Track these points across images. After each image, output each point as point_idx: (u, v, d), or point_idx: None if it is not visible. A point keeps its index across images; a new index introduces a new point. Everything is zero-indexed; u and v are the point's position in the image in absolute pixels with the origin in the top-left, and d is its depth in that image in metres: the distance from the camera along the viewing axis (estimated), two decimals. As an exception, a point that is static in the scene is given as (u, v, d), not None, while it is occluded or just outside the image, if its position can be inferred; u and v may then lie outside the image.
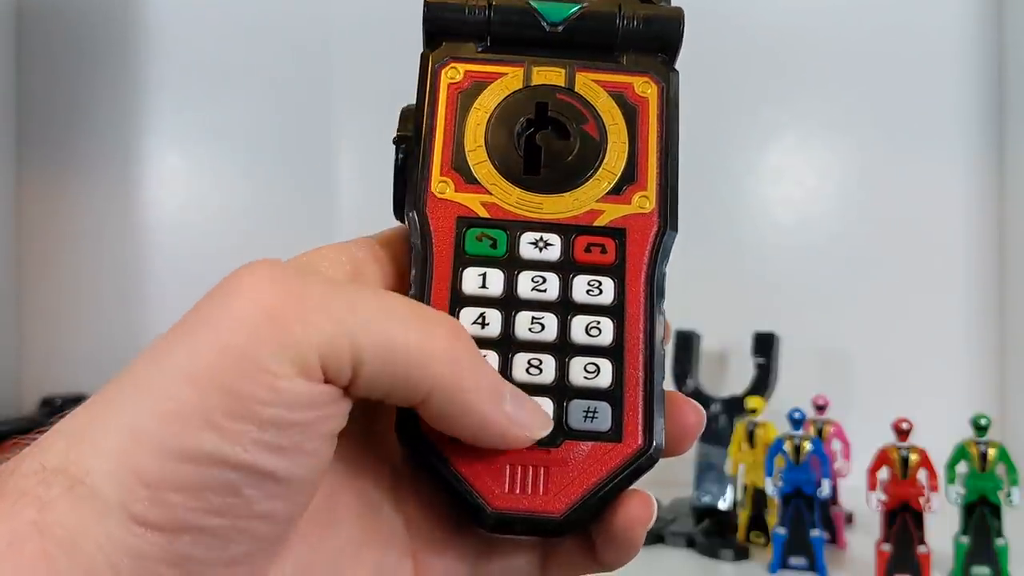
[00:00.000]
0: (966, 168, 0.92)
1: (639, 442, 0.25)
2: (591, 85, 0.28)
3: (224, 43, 0.97)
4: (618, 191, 0.27)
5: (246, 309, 0.21)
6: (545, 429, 0.24)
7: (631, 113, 0.28)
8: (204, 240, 0.97)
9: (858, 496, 0.64)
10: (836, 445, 0.74)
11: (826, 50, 0.93)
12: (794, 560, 0.63)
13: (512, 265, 0.26)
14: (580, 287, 0.26)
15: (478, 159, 0.27)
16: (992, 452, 0.59)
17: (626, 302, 0.26)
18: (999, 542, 0.59)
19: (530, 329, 0.25)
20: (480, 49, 0.28)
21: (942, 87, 0.92)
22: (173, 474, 0.20)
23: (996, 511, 0.59)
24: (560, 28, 0.28)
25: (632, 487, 0.25)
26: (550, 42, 0.28)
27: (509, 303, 0.26)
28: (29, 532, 0.19)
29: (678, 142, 0.28)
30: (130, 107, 0.98)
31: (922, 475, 0.60)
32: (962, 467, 0.60)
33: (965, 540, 0.59)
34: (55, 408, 0.87)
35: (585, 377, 0.25)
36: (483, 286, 0.26)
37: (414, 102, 0.28)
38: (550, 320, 0.26)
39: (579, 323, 0.26)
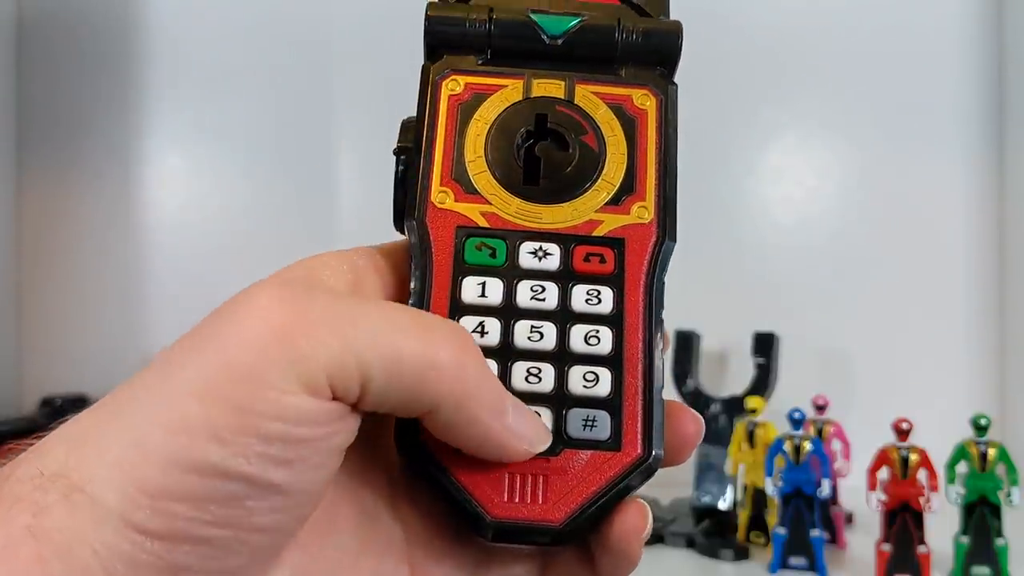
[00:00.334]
0: (966, 168, 0.92)
1: (638, 451, 0.25)
2: (590, 97, 0.28)
3: (224, 44, 0.97)
4: (617, 201, 0.27)
5: (255, 327, 0.21)
6: (544, 443, 0.24)
7: (630, 125, 0.28)
8: (204, 240, 0.97)
9: (858, 496, 0.64)
10: (836, 445, 0.74)
11: (826, 50, 0.93)
12: (794, 560, 0.63)
13: (511, 274, 0.26)
14: (579, 296, 0.26)
15: (478, 169, 0.27)
16: (992, 452, 0.59)
17: (625, 311, 0.26)
18: (999, 542, 0.59)
19: (529, 338, 0.25)
20: (481, 62, 0.29)
21: (942, 87, 0.92)
22: (176, 484, 0.20)
23: (996, 511, 0.59)
24: (560, 41, 0.28)
25: (632, 496, 0.25)
26: (550, 55, 0.29)
27: (508, 312, 0.26)
28: (23, 536, 0.19)
29: (676, 153, 0.28)
30: (130, 107, 0.98)
31: (922, 475, 0.60)
32: (962, 467, 0.60)
33: (965, 540, 0.59)
34: (55, 408, 0.87)
35: (584, 386, 0.25)
36: (482, 295, 0.26)
37: (414, 113, 0.28)
38: (549, 329, 0.26)
39: (578, 332, 0.26)
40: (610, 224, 0.27)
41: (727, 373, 0.90)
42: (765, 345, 0.81)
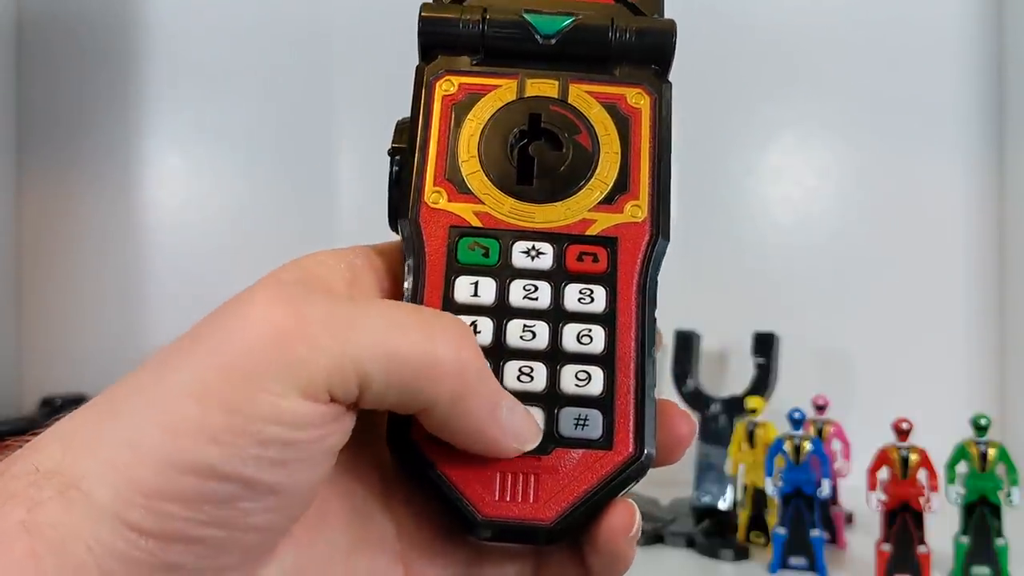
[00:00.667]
0: (966, 168, 0.92)
1: (630, 450, 0.25)
2: (584, 96, 0.28)
3: (224, 43, 0.97)
4: (610, 200, 0.27)
5: (253, 329, 0.21)
6: (534, 442, 0.24)
7: (624, 124, 0.28)
8: (204, 240, 0.97)
9: (858, 496, 0.64)
10: (836, 445, 0.74)
11: (826, 49, 0.93)
12: (794, 560, 0.62)
13: (504, 274, 0.26)
14: (572, 295, 0.26)
15: (471, 169, 0.27)
16: (992, 452, 0.59)
17: (618, 310, 0.26)
18: (999, 542, 0.59)
19: (521, 337, 0.25)
20: (475, 62, 0.29)
21: (942, 87, 0.92)
22: (172, 485, 0.20)
23: (996, 511, 0.59)
24: (553, 41, 0.28)
25: (621, 497, 0.25)
26: (544, 55, 0.29)
27: (501, 311, 0.26)
28: (17, 532, 0.19)
29: (670, 152, 0.28)
30: (130, 108, 0.98)
31: (922, 475, 0.60)
32: (962, 467, 0.60)
33: (965, 540, 0.59)
34: (55, 408, 0.87)
35: (576, 385, 0.25)
36: (475, 294, 0.26)
37: (409, 114, 0.28)
38: (541, 328, 0.26)
39: (571, 331, 0.26)
40: (603, 223, 0.27)
41: (727, 373, 0.90)
42: (765, 345, 0.81)
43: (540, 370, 0.25)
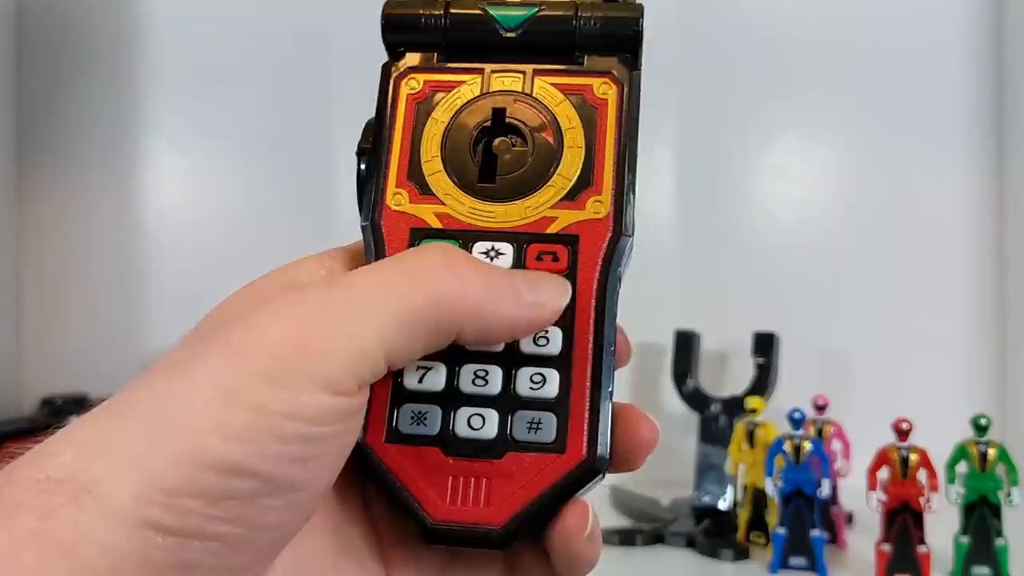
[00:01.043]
0: (966, 168, 0.92)
1: (582, 453, 0.24)
2: (549, 89, 0.28)
3: (223, 43, 0.97)
4: (572, 197, 0.26)
5: (271, 327, 0.22)
6: (565, 294, 0.25)
7: (589, 116, 0.27)
8: (204, 240, 0.97)
9: (858, 496, 0.64)
10: (836, 445, 0.73)
11: (826, 50, 0.93)
12: (794, 560, 0.62)
13: None
14: None
15: (433, 169, 0.27)
16: (992, 452, 0.59)
17: (576, 310, 0.25)
18: (999, 542, 0.59)
19: None
20: (440, 58, 0.28)
21: (942, 87, 0.92)
22: (193, 481, 0.20)
23: (996, 511, 0.59)
24: (517, 33, 0.28)
25: (575, 498, 0.24)
26: (509, 47, 0.28)
27: None
28: (27, 541, 0.19)
29: (636, 143, 0.27)
30: (129, 107, 0.98)
31: (922, 475, 0.60)
32: (962, 467, 0.60)
33: (965, 540, 0.59)
34: (55, 408, 0.86)
35: (531, 388, 0.25)
36: None
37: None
38: None
39: None
40: (564, 221, 0.26)
41: (727, 373, 0.90)
42: (765, 345, 0.81)
43: (496, 373, 0.25)
